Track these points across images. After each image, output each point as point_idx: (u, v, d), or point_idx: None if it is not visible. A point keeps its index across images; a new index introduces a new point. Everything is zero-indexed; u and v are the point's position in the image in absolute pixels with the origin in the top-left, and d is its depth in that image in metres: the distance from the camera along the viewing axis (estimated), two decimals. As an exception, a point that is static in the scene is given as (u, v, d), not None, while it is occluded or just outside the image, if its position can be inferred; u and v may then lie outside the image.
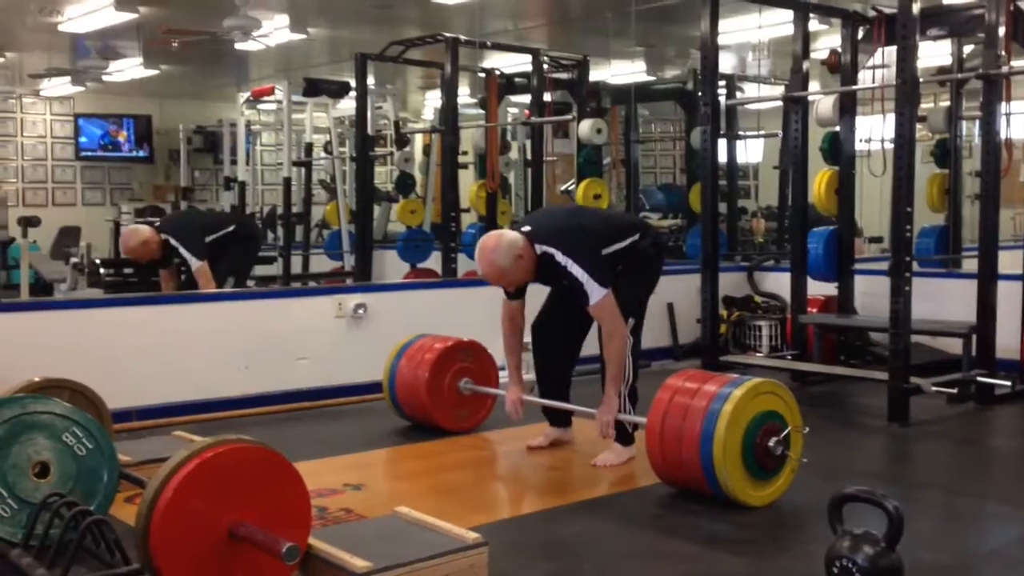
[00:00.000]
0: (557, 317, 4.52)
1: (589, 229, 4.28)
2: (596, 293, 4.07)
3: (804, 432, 3.82)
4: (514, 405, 4.46)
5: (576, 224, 4.36)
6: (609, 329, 4.14)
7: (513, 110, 9.78)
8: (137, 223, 7.37)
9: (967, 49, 6.95)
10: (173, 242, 6.16)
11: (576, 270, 4.08)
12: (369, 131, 8.31)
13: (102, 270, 7.49)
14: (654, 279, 4.51)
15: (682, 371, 4.01)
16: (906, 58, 5.09)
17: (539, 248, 4.15)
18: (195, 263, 6.11)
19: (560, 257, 4.11)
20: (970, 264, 6.28)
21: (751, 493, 3.69)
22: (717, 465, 3.59)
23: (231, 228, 6.50)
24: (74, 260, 7.83)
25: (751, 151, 9.52)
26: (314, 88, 9.22)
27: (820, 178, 6.32)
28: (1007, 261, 5.77)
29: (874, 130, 5.97)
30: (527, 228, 4.23)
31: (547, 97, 8.21)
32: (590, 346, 4.49)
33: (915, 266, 5.43)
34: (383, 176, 11.83)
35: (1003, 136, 5.56)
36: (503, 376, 4.82)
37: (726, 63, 9.15)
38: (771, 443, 3.66)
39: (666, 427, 3.75)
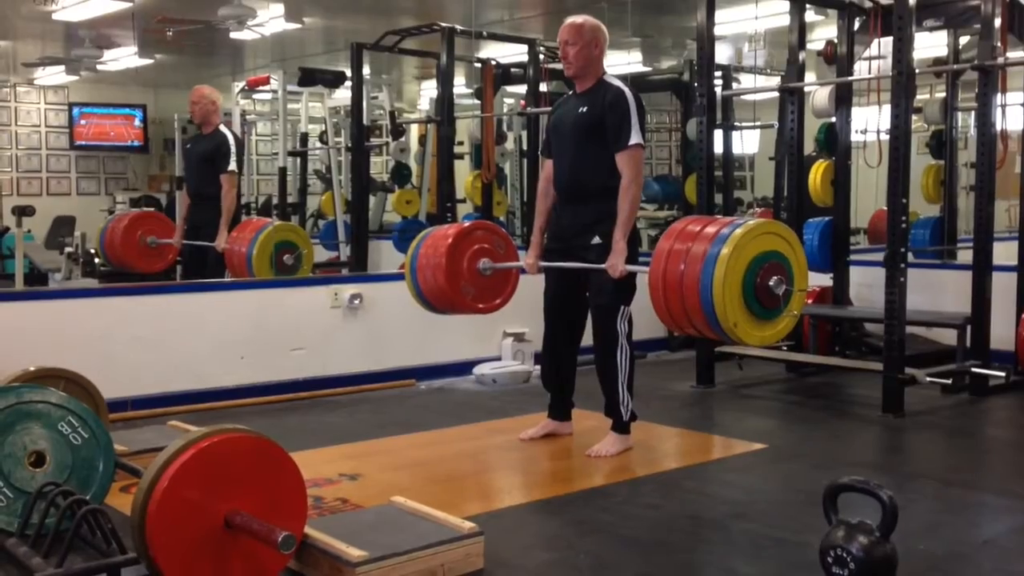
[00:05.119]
0: (563, 303, 4.51)
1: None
2: (635, 135, 4.22)
3: (805, 291, 3.84)
4: (530, 266, 4.58)
5: None
6: (630, 176, 4.21)
7: (509, 100, 9.76)
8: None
9: (963, 40, 6.95)
10: (226, 131, 6.34)
11: (631, 105, 4.22)
12: (365, 121, 8.28)
13: (97, 260, 7.46)
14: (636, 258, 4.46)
15: (685, 217, 3.99)
16: (902, 49, 5.09)
17: (609, 78, 4.34)
18: (231, 164, 6.26)
19: (619, 85, 4.29)
20: (965, 255, 6.29)
21: (753, 333, 3.69)
22: (718, 308, 3.56)
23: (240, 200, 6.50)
24: (69, 250, 7.80)
25: (747, 142, 9.48)
26: (309, 78, 9.19)
27: (816, 169, 6.33)
28: (1002, 252, 5.78)
29: (870, 121, 5.98)
30: None
31: (543, 87, 8.19)
32: (589, 338, 4.49)
33: (910, 257, 5.44)
34: (379, 166, 11.83)
35: (999, 127, 5.57)
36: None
37: (722, 54, 9.10)
38: (772, 282, 3.66)
39: (667, 273, 3.71)
